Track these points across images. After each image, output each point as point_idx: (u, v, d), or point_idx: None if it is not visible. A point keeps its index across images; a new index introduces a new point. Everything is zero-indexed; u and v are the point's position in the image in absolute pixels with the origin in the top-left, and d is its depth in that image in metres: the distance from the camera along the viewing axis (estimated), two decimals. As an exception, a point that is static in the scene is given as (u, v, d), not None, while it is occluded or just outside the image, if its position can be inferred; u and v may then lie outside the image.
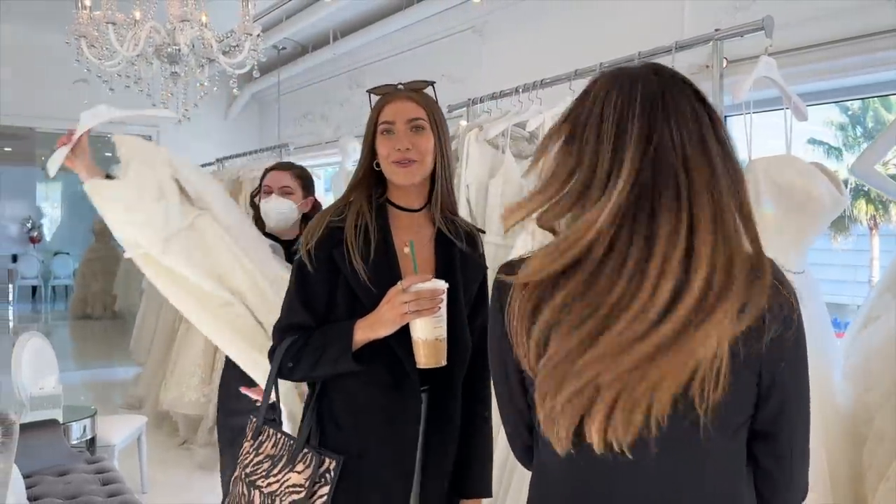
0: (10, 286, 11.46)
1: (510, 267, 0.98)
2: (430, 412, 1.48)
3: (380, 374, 1.43)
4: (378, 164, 1.49)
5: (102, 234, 9.27)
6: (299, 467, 1.43)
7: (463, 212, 2.36)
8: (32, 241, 12.40)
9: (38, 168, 11.39)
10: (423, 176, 1.48)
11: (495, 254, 2.32)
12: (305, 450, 1.43)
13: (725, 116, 2.04)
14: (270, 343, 1.51)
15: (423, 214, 1.54)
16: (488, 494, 1.59)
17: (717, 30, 1.98)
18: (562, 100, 2.36)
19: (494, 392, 1.08)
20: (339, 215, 1.48)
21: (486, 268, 1.58)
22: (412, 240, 1.43)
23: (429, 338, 1.36)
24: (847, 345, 2.00)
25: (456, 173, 2.41)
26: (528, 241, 2.25)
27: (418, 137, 1.46)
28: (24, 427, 2.22)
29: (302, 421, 1.50)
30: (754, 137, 1.93)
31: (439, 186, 1.50)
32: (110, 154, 8.89)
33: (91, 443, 3.29)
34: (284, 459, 1.45)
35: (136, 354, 5.91)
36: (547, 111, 2.28)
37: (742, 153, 1.83)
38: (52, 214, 13.25)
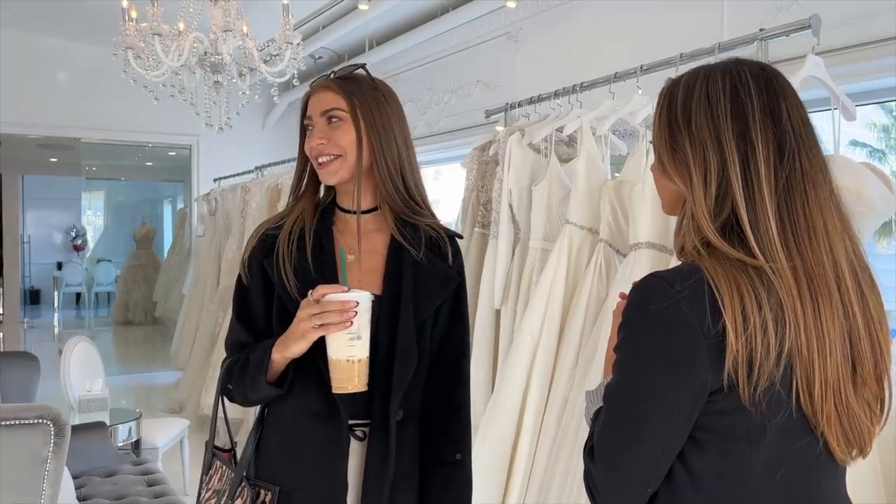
0: (56, 293, 11.78)
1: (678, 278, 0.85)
2: (370, 450, 1.27)
3: (310, 401, 1.26)
4: None
5: (143, 241, 9.50)
6: (238, 503, 1.30)
7: (504, 217, 2.37)
8: (76, 249, 12.72)
9: (83, 178, 11.70)
10: (348, 172, 1.31)
11: (540, 257, 2.32)
12: (243, 484, 1.30)
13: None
14: None
15: (374, 217, 1.36)
16: None
17: (761, 29, 1.95)
18: (601, 103, 2.36)
19: (631, 439, 0.88)
20: (279, 221, 1.35)
21: (458, 279, 1.35)
22: (342, 247, 1.29)
23: (340, 357, 1.17)
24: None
25: (497, 178, 2.42)
26: (564, 242, 2.24)
27: (333, 130, 1.29)
28: (73, 429, 2.28)
29: (244, 450, 1.35)
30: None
31: (385, 184, 1.32)
32: (151, 163, 9.09)
33: (136, 445, 3.36)
34: (226, 495, 1.32)
35: (177, 359, 6.02)
36: (585, 115, 2.27)
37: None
38: (95, 223, 13.58)
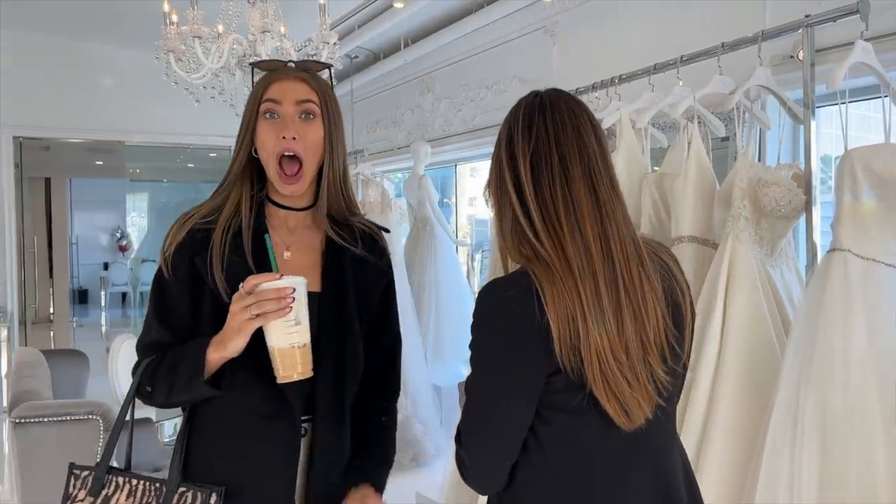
0: (102, 293, 12.11)
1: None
2: (315, 447, 1.25)
3: (254, 399, 1.21)
4: (257, 152, 1.26)
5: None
6: None
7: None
8: (121, 249, 13.06)
9: (127, 180, 12.00)
10: (310, 179, 1.28)
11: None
12: (182, 488, 1.20)
13: (817, 107, 1.96)
14: None
15: (310, 214, 1.33)
16: (379, 486, 1.33)
17: (807, 15, 1.90)
18: (640, 95, 2.32)
19: (488, 424, 1.04)
20: (210, 215, 1.27)
21: (388, 273, 1.38)
22: (268, 235, 1.23)
23: (282, 345, 1.15)
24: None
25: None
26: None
27: (307, 126, 1.24)
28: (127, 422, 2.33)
29: (173, 457, 1.26)
30: (837, 128, 1.85)
31: (326, 185, 1.28)
32: (192, 165, 9.24)
33: (181, 440, 3.43)
34: None
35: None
36: (624, 107, 2.24)
37: (838, 144, 1.75)
38: (139, 224, 13.92)
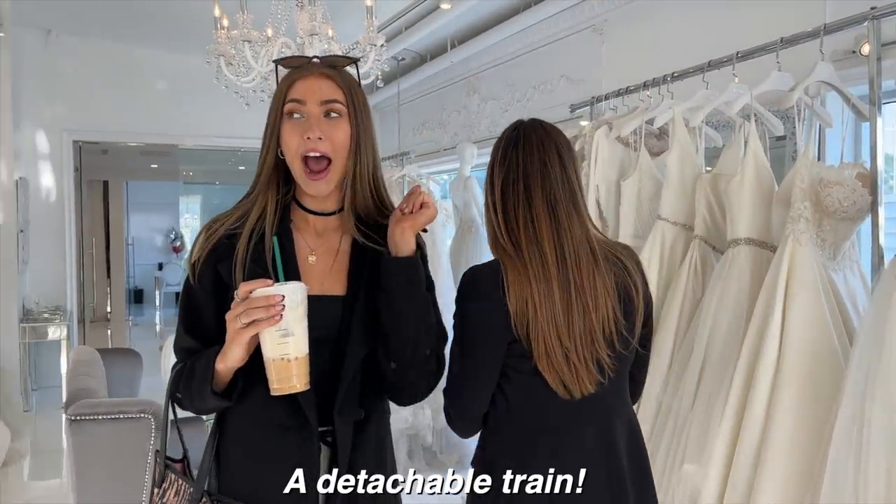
0: (157, 293, 12.46)
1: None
2: (338, 458, 1.18)
3: (272, 411, 1.15)
4: (283, 153, 1.21)
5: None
6: None
7: (593, 213, 2.30)
8: (175, 250, 13.43)
9: (181, 182, 12.33)
10: (338, 177, 1.21)
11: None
12: (204, 500, 1.19)
13: (883, 103, 1.86)
14: None
15: (337, 217, 1.27)
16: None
17: (873, 8, 1.81)
18: (693, 94, 2.25)
19: (464, 379, 1.31)
20: (238, 220, 1.22)
21: (424, 266, 1.28)
22: (276, 236, 1.18)
23: (274, 356, 1.07)
24: None
25: (583, 173, 2.36)
26: (656, 239, 2.16)
27: (333, 126, 1.18)
28: (173, 422, 2.38)
29: (201, 464, 1.24)
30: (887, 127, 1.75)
31: (354, 187, 1.22)
32: (243, 168, 9.38)
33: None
34: None
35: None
36: (677, 106, 2.17)
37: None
38: (192, 225, 14.28)
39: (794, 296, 1.74)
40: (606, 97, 2.68)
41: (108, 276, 10.77)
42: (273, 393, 1.09)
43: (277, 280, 1.13)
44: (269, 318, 1.05)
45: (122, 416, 2.04)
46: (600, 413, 1.33)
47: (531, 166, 1.30)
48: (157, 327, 11.18)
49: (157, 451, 1.30)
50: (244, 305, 1.05)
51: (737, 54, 2.10)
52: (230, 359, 1.10)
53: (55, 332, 5.22)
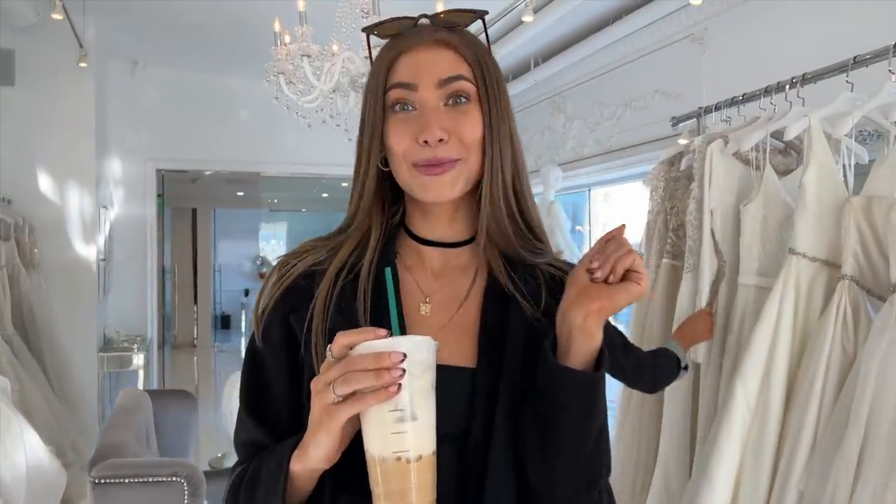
0: (243, 318, 12.63)
1: None
2: None
3: None
4: (386, 163, 0.84)
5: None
6: None
7: (706, 245, 1.88)
8: (261, 276, 13.64)
9: (265, 210, 12.54)
10: (467, 186, 0.83)
11: (755, 297, 1.81)
12: None
13: None
14: None
15: (467, 251, 0.89)
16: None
17: None
18: (833, 98, 1.82)
19: None
20: (326, 253, 0.87)
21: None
22: (389, 267, 0.81)
23: (380, 454, 0.68)
24: None
25: (692, 197, 1.95)
26: (789, 278, 1.72)
27: (460, 117, 0.81)
28: (220, 473, 2.15)
29: None
30: None
31: (495, 205, 0.83)
32: (327, 195, 9.40)
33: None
34: None
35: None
36: (813, 113, 1.74)
37: None
38: (277, 251, 14.51)
39: None
40: (717, 107, 2.27)
41: (196, 303, 10.98)
42: None
43: (391, 333, 0.71)
44: (381, 390, 0.66)
45: (150, 480, 1.79)
46: None
47: None
48: (243, 354, 11.30)
49: None
50: (342, 367, 0.67)
51: (894, 46, 1.66)
52: (314, 455, 0.72)
53: (137, 360, 5.18)
